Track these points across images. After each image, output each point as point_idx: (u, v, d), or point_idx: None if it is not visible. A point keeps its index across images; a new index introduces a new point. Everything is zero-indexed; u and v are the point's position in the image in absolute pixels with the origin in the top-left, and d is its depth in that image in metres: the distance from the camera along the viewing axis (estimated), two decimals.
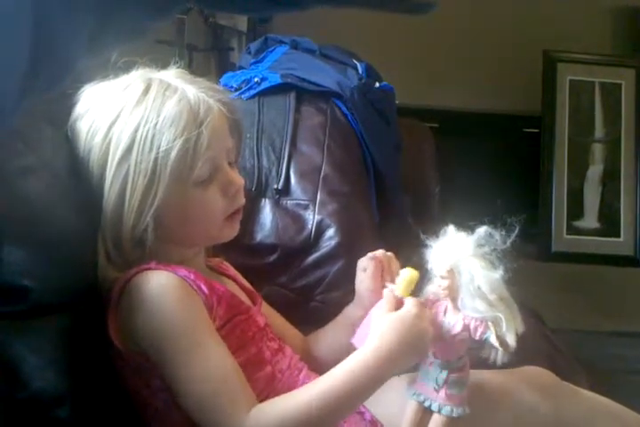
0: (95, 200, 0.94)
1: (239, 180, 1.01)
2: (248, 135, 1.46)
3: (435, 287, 0.96)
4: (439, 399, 0.95)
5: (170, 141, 0.92)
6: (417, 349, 0.93)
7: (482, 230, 0.94)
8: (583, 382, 1.21)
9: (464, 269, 0.93)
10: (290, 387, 0.95)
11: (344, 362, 0.89)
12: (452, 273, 0.94)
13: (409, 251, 1.02)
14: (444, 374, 0.94)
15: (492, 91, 3.09)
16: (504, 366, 0.96)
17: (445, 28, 2.95)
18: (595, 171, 3.08)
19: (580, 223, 3.05)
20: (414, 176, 1.93)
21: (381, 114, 1.66)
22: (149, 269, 0.91)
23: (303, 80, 1.60)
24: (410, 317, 0.92)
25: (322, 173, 1.48)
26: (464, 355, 0.96)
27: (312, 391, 0.87)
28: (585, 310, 2.45)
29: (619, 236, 3.04)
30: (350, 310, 1.09)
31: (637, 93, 3.11)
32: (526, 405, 1.01)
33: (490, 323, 0.92)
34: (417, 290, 0.99)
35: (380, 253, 1.06)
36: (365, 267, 1.05)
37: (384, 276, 1.04)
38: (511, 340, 0.91)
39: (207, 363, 0.87)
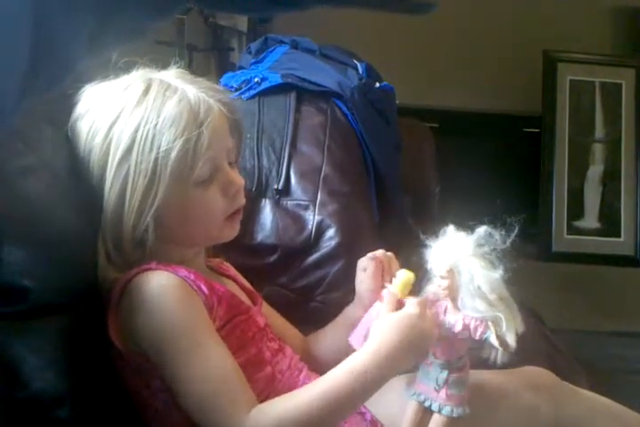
0: (95, 200, 0.94)
1: (239, 180, 1.01)
2: (248, 135, 1.46)
3: (434, 287, 0.96)
4: (439, 399, 0.95)
5: (170, 142, 0.92)
6: (418, 349, 0.93)
7: (481, 230, 0.94)
8: (583, 382, 1.21)
9: (464, 269, 0.93)
10: (290, 387, 0.95)
11: (344, 362, 0.89)
12: (451, 273, 0.94)
13: (409, 251, 1.02)
14: (444, 374, 0.94)
15: (491, 91, 3.09)
16: (504, 367, 0.96)
17: (445, 28, 2.95)
18: (595, 171, 3.08)
19: (580, 223, 3.05)
20: (414, 176, 1.93)
21: (381, 114, 1.66)
22: (150, 269, 0.91)
23: (303, 80, 1.60)
24: (410, 317, 0.92)
25: (322, 174, 1.48)
26: (464, 355, 0.96)
27: (313, 392, 0.87)
28: (585, 310, 2.45)
29: (619, 236, 3.04)
30: (350, 311, 1.09)
31: (637, 93, 3.11)
32: (526, 405, 1.01)
33: (490, 323, 0.92)
34: (417, 290, 0.99)
35: (380, 253, 1.06)
36: (365, 267, 1.05)
37: (384, 276, 1.04)
38: (511, 340, 0.91)
39: (207, 363, 0.87)
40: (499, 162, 3.06)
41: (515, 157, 3.10)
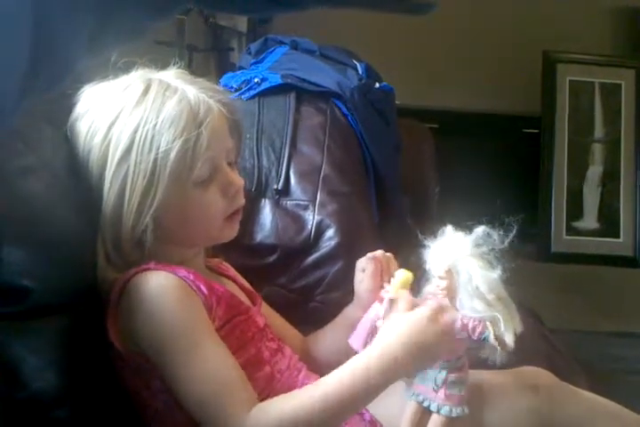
0: (95, 201, 0.94)
1: (239, 180, 1.01)
2: (248, 136, 1.46)
3: (433, 287, 0.96)
4: (438, 399, 0.95)
5: (169, 142, 0.92)
6: (425, 355, 0.91)
7: (480, 230, 0.94)
8: (582, 383, 1.21)
9: (462, 269, 0.93)
10: (289, 387, 0.95)
11: (347, 365, 0.88)
12: (450, 273, 0.94)
13: (408, 251, 1.02)
14: (442, 374, 0.94)
15: (491, 91, 3.09)
16: (503, 367, 0.96)
17: (445, 28, 2.96)
18: (594, 171, 3.09)
19: (579, 224, 3.05)
20: (414, 176, 1.93)
21: (381, 114, 1.66)
22: (149, 269, 0.91)
23: (303, 80, 1.60)
24: (420, 321, 0.90)
25: (322, 174, 1.48)
26: (463, 355, 0.96)
27: (315, 393, 0.86)
28: (584, 311, 2.46)
29: (618, 236, 3.04)
30: (350, 311, 1.09)
31: (637, 94, 3.12)
32: (525, 405, 1.01)
33: (488, 323, 0.92)
34: (415, 290, 0.99)
35: (379, 253, 1.06)
36: (364, 267, 1.05)
37: (383, 276, 1.04)
38: (509, 340, 0.91)
39: (206, 363, 0.87)
40: (498, 162, 3.07)
41: (514, 158, 3.10)
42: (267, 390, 0.93)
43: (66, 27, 0.57)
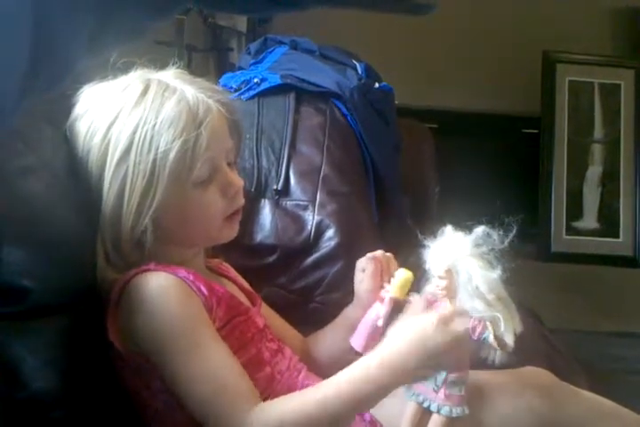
0: (94, 201, 0.94)
1: (238, 180, 1.01)
2: (247, 136, 1.46)
3: (433, 288, 0.96)
4: (438, 400, 0.95)
5: (168, 142, 0.92)
6: (429, 363, 0.89)
7: (479, 230, 0.94)
8: (582, 383, 1.21)
9: (462, 269, 0.93)
10: (289, 388, 0.95)
11: (350, 368, 0.88)
12: (449, 273, 0.94)
13: (408, 251, 1.02)
14: (442, 375, 0.94)
15: (491, 91, 3.09)
16: (503, 367, 0.96)
17: (445, 28, 2.96)
18: (594, 171, 3.09)
19: (579, 224, 3.05)
20: (413, 177, 1.93)
21: (381, 114, 1.66)
22: (149, 270, 0.91)
23: (303, 81, 1.60)
24: (426, 329, 0.89)
25: (321, 174, 1.48)
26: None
27: (316, 396, 0.86)
28: (584, 311, 2.46)
29: (618, 236, 3.04)
30: (350, 311, 1.09)
31: (637, 94, 3.12)
32: (525, 405, 1.01)
33: (488, 323, 0.92)
34: (415, 291, 0.99)
35: (379, 253, 1.06)
36: (364, 267, 1.05)
37: (383, 276, 1.04)
38: (509, 340, 0.91)
39: (207, 363, 0.87)
40: (498, 162, 3.07)
41: (514, 158, 3.10)
42: (267, 391, 0.93)
43: (66, 27, 0.57)
